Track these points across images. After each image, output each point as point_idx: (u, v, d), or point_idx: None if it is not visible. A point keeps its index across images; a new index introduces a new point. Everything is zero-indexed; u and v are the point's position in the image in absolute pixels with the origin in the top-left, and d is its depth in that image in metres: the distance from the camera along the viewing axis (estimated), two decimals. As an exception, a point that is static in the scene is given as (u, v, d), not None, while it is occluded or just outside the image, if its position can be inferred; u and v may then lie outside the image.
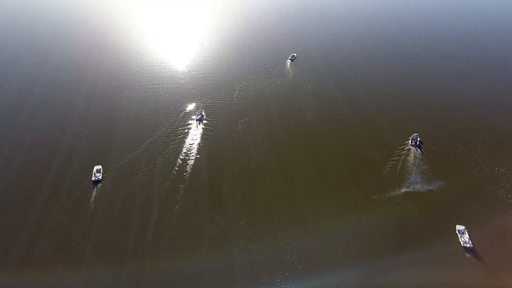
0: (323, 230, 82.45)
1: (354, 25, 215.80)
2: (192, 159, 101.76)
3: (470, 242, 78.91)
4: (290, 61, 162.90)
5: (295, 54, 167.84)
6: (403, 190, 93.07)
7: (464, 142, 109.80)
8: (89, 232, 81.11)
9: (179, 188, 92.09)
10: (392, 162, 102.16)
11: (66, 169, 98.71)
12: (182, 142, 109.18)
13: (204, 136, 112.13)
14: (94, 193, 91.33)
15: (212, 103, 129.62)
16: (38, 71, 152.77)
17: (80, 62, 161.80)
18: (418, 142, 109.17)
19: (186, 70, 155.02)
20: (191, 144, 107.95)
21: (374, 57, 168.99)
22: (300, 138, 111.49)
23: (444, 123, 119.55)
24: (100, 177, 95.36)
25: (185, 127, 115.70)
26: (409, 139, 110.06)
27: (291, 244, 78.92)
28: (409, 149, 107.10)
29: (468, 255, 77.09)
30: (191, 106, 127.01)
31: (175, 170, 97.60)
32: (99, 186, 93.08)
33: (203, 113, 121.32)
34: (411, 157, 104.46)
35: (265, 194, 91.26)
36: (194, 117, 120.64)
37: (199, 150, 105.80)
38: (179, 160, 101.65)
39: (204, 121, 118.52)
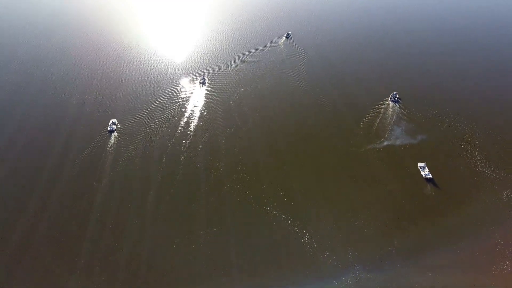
0: (303, 173, 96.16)
1: (341, 10, 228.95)
2: (196, 117, 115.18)
3: (430, 174, 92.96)
4: (285, 38, 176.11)
5: (290, 32, 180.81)
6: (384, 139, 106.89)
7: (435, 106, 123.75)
8: (112, 168, 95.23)
9: (183, 142, 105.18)
10: (374, 113, 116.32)
11: (87, 122, 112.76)
12: (187, 100, 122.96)
13: (207, 96, 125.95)
14: (111, 140, 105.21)
15: (213, 73, 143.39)
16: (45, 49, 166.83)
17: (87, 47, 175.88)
18: (397, 98, 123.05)
19: (189, 50, 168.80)
20: (195, 105, 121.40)
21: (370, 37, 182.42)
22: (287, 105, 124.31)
23: (423, 83, 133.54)
24: (115, 128, 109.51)
25: (191, 89, 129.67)
26: (389, 96, 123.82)
27: (278, 187, 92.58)
28: (388, 104, 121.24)
29: (428, 184, 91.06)
30: (194, 74, 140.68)
31: (181, 126, 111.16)
32: (115, 135, 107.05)
33: (206, 78, 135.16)
34: (389, 110, 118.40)
35: (252, 149, 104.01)
36: (198, 80, 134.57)
37: (201, 109, 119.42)
38: (185, 115, 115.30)
39: (206, 85, 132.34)
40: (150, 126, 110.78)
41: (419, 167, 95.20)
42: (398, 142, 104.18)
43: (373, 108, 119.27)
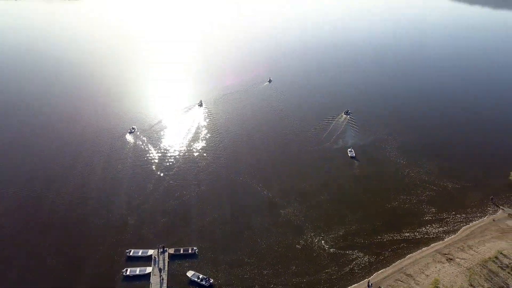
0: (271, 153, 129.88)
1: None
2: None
3: (354, 154, 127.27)
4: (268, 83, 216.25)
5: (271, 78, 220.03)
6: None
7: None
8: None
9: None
10: (327, 122, 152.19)
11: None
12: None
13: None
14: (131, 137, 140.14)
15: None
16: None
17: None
18: (348, 112, 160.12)
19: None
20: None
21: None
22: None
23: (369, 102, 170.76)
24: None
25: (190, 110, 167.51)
26: (343, 112, 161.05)
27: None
28: (341, 116, 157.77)
29: (353, 160, 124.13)
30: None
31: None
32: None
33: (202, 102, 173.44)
34: (341, 119, 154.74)
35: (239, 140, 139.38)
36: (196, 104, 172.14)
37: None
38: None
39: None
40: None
41: (347, 151, 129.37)
42: (340, 143, 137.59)
43: (328, 119, 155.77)
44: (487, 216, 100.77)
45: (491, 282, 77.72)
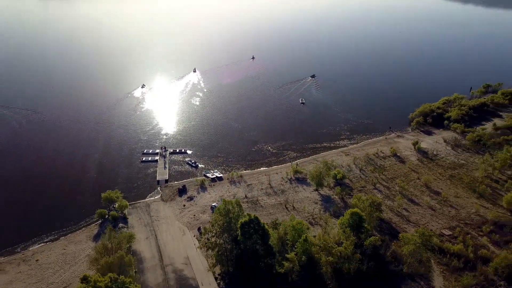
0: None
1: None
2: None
3: (303, 101, 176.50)
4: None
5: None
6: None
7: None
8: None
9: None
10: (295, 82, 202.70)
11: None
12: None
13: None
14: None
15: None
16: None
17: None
18: (314, 75, 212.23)
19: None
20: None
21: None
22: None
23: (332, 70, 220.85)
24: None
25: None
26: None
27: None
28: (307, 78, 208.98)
29: (303, 106, 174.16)
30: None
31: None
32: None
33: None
34: (308, 80, 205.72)
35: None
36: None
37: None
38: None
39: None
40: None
41: (299, 100, 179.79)
42: (298, 96, 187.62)
43: (295, 80, 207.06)
44: (383, 136, 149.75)
45: (367, 162, 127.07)
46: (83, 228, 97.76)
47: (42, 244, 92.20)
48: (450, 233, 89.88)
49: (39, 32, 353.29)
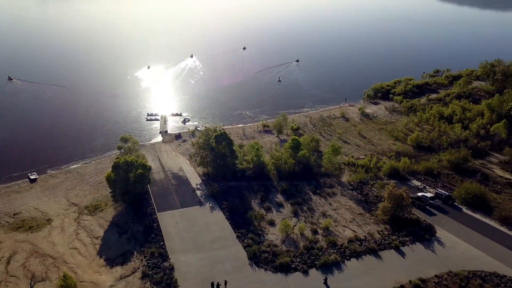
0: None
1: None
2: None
3: (280, 79, 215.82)
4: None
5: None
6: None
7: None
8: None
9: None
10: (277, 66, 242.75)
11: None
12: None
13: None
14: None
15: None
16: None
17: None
18: (298, 60, 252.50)
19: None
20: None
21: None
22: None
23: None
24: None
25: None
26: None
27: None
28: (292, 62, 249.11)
29: (279, 84, 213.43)
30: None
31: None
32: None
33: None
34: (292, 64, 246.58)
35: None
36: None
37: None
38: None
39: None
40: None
41: (277, 78, 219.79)
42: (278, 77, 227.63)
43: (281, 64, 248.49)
44: (338, 106, 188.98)
45: (320, 120, 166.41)
46: (107, 156, 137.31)
47: (79, 165, 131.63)
48: (364, 157, 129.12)
49: (65, 22, 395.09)
